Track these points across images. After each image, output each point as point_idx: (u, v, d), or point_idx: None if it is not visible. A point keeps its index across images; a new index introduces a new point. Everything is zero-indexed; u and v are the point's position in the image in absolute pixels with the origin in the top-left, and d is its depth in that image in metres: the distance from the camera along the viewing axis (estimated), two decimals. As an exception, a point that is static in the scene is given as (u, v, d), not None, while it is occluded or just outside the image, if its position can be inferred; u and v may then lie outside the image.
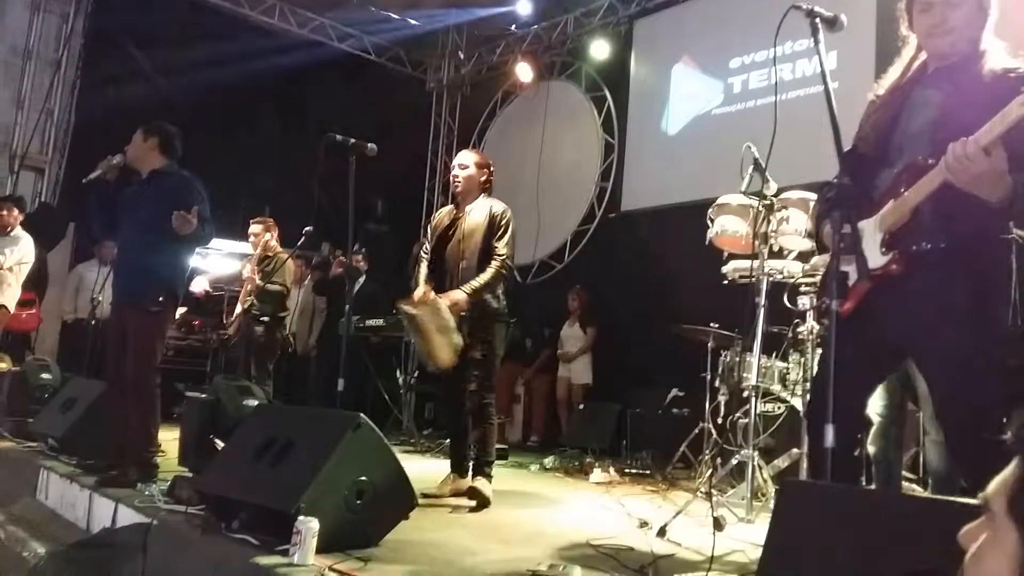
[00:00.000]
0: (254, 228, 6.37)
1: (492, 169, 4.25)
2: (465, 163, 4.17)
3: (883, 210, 2.13)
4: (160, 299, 3.83)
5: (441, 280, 4.07)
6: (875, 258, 2.11)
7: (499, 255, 3.97)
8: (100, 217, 4.14)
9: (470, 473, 4.02)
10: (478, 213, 4.07)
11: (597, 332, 7.75)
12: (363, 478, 2.60)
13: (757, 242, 3.97)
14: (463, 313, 3.85)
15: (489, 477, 3.96)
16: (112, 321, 4.10)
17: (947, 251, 2.04)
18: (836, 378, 1.97)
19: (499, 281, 3.99)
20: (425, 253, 4.22)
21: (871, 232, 2.14)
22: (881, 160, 2.22)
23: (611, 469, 5.44)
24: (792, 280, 4.14)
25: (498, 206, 4.10)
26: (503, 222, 4.03)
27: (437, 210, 10.98)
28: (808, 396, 3.70)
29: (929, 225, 2.05)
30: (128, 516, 3.10)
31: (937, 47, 2.19)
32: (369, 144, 3.63)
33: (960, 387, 2.03)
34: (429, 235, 4.29)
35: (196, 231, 3.73)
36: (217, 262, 8.93)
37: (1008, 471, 0.74)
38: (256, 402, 3.67)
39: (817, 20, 2.29)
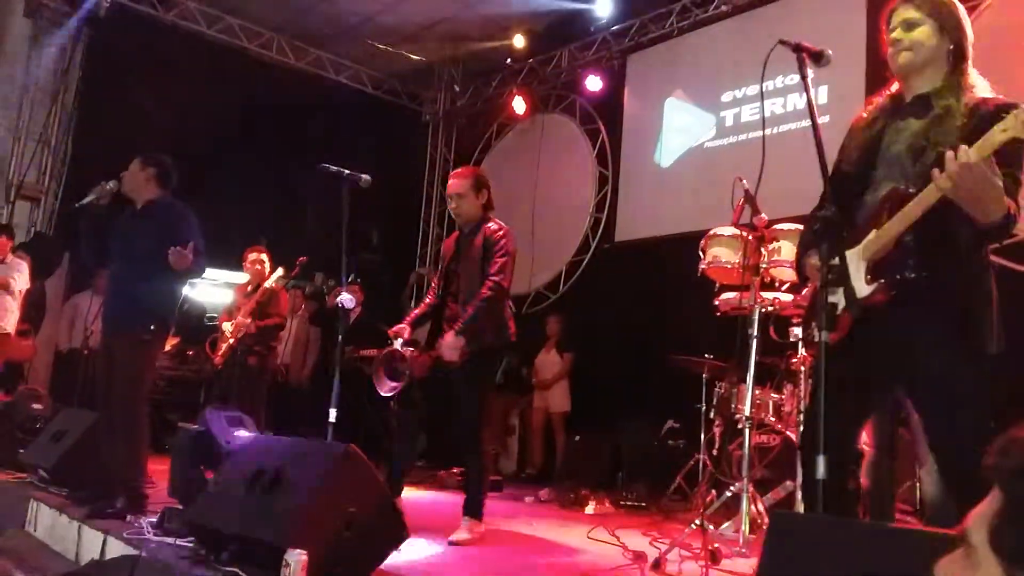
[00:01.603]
0: (259, 256, 6.32)
1: (486, 179, 4.06)
2: (461, 192, 4.00)
3: (866, 239, 2.14)
4: (151, 328, 3.82)
5: (448, 309, 4.00)
6: (860, 288, 2.13)
7: (491, 277, 3.83)
8: (91, 243, 4.12)
9: (462, 512, 3.84)
10: (477, 237, 3.95)
11: (574, 358, 7.73)
12: (353, 510, 2.58)
13: (748, 273, 3.99)
14: (463, 355, 3.73)
15: (479, 517, 3.83)
16: (101, 350, 4.07)
17: (931, 280, 2.06)
18: (826, 410, 1.97)
19: (490, 306, 3.81)
20: (436, 283, 4.12)
21: (855, 262, 2.15)
22: (864, 183, 2.25)
23: (606, 501, 5.40)
24: (784, 311, 4.14)
25: (493, 226, 3.96)
26: (496, 244, 3.89)
27: (432, 240, 11.04)
28: (801, 428, 3.69)
29: (913, 254, 2.07)
30: (117, 548, 3.07)
31: (897, 63, 2.25)
32: (363, 176, 3.64)
33: (950, 416, 2.03)
34: (440, 264, 4.18)
35: (191, 264, 3.75)
36: (208, 291, 8.93)
37: (987, 503, 0.74)
38: (247, 433, 3.65)
39: (804, 55, 2.34)
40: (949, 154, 1.90)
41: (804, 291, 4.03)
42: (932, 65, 2.22)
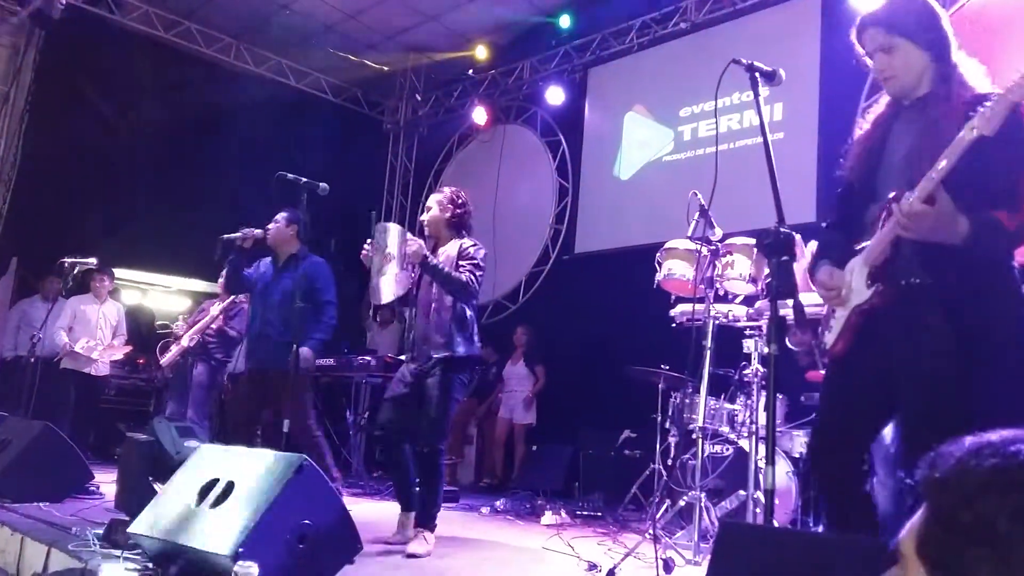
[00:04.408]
0: None
1: (462, 202, 4.07)
2: (429, 205, 4.08)
3: (868, 245, 2.16)
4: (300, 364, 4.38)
5: (413, 323, 3.99)
6: (861, 293, 2.16)
7: (466, 269, 3.84)
8: (231, 274, 4.69)
9: (412, 524, 3.84)
10: (448, 253, 3.94)
11: (546, 371, 7.75)
12: (306, 521, 2.55)
13: (703, 286, 4.04)
14: (409, 256, 3.77)
15: (431, 529, 3.82)
16: (245, 385, 4.67)
17: (934, 287, 2.05)
18: (842, 418, 2.09)
19: (461, 287, 3.80)
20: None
21: (859, 268, 2.18)
22: (868, 193, 2.25)
23: (562, 511, 5.41)
24: (738, 323, 4.21)
25: (468, 242, 3.97)
26: (468, 252, 3.90)
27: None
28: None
29: (911, 259, 2.06)
30: (61, 561, 2.98)
31: (890, 91, 2.28)
32: (321, 184, 3.65)
33: (934, 423, 2.01)
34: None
35: (326, 319, 4.63)
36: (159, 298, 8.77)
37: (917, 514, 0.77)
38: (197, 443, 3.59)
39: (756, 74, 2.40)
40: (896, 206, 1.95)
41: (757, 304, 4.15)
42: (924, 73, 2.20)
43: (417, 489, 3.89)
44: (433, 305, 3.91)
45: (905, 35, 2.18)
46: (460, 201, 4.07)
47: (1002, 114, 1.84)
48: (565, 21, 8.83)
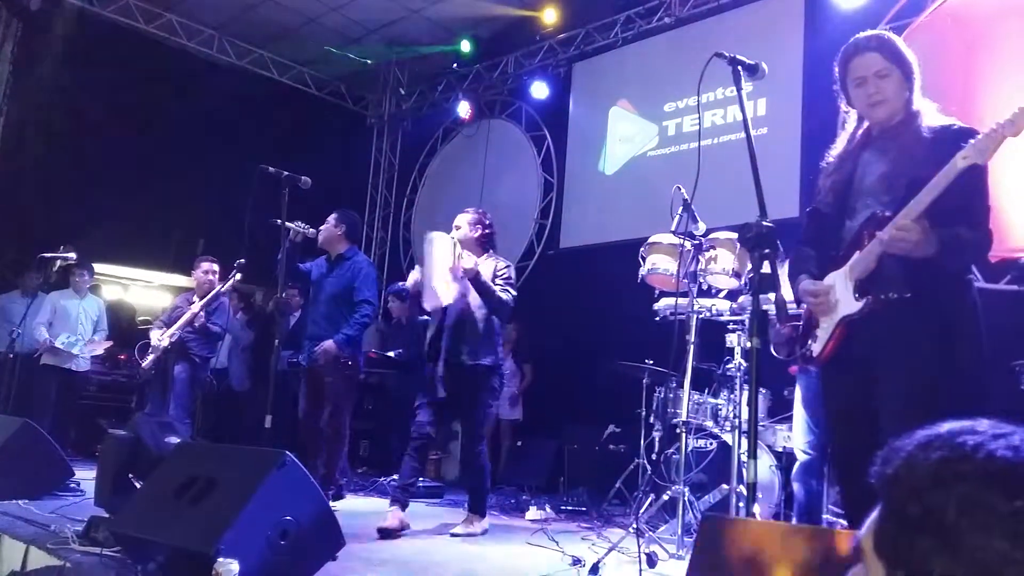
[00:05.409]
0: (212, 267, 6.08)
1: (489, 223, 4.36)
2: (458, 224, 4.30)
3: (851, 260, 2.29)
4: (349, 356, 4.70)
5: (442, 334, 4.22)
6: (849, 305, 2.28)
7: (502, 287, 4.16)
8: (287, 264, 4.64)
9: (466, 513, 4.32)
10: (482, 272, 4.15)
11: (534, 368, 7.75)
12: (287, 517, 2.54)
13: (686, 281, 4.05)
14: (462, 268, 4.05)
15: (483, 515, 4.27)
16: (307, 380, 4.88)
17: (913, 299, 2.19)
18: (852, 427, 2.24)
19: (502, 304, 4.15)
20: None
21: (843, 281, 2.30)
22: (842, 214, 2.41)
23: (547, 506, 5.41)
24: (721, 318, 4.22)
25: (502, 263, 4.27)
26: (504, 272, 4.24)
27: (375, 244, 10.91)
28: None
29: (895, 274, 2.20)
30: (40, 559, 2.96)
31: (877, 116, 2.40)
32: (303, 177, 3.64)
33: (908, 415, 2.09)
34: None
35: (357, 316, 4.78)
36: (141, 293, 8.69)
37: (874, 513, 0.77)
38: (178, 439, 3.56)
39: (739, 68, 2.41)
40: (888, 227, 2.12)
41: (740, 299, 4.16)
42: (903, 104, 2.38)
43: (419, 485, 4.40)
44: (466, 315, 4.19)
45: (898, 65, 2.35)
46: (487, 222, 4.39)
47: (995, 146, 1.99)
48: (465, 46, 9.13)
